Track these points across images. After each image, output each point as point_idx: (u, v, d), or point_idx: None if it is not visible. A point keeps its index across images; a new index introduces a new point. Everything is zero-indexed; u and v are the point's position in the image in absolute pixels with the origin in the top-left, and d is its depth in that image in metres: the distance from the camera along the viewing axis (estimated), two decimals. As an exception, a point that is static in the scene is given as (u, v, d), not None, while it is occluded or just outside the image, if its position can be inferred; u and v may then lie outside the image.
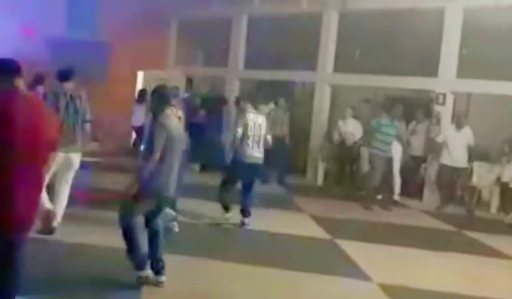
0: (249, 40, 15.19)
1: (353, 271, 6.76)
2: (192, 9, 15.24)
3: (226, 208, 8.42)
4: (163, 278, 5.44)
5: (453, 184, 11.43)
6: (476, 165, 11.91)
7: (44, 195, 6.43)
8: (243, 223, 8.27)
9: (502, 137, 11.57)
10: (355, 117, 12.31)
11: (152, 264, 5.46)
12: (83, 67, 14.39)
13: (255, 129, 8.19)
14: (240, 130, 8.12)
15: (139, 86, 15.99)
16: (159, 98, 5.58)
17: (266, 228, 8.34)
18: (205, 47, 17.10)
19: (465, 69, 11.49)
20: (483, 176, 11.77)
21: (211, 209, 8.61)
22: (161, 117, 5.41)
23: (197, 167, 12.75)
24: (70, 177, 7.06)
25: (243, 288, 5.77)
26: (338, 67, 13.37)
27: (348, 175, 12.59)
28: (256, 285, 5.96)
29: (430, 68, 11.74)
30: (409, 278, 6.68)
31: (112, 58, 15.14)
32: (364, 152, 11.83)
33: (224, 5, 14.13)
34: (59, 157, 6.29)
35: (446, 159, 11.10)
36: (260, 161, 8.34)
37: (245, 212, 8.30)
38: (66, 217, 6.94)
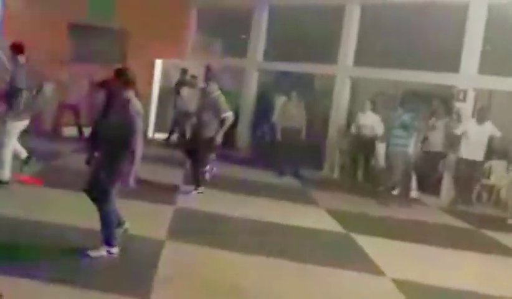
0: (270, 31, 15.12)
1: (367, 265, 6.71)
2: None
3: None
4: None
5: (471, 179, 11.31)
6: (494, 163, 11.79)
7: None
8: None
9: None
10: (373, 110, 12.20)
11: None
12: (103, 54, 14.66)
13: None
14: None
15: (158, 75, 16.03)
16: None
17: (280, 220, 8.31)
18: (224, 37, 17.05)
19: (487, 65, 11.32)
20: (501, 175, 11.64)
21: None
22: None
23: None
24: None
25: (256, 279, 5.74)
26: (359, 60, 13.27)
27: (364, 169, 12.49)
28: (268, 277, 5.92)
29: (451, 63, 11.59)
30: (423, 274, 6.61)
31: (131, 46, 15.17)
32: (381, 146, 11.75)
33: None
34: None
35: (465, 153, 10.99)
36: None
37: None
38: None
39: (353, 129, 12.29)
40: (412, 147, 10.64)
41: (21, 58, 7.90)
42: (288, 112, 12.24)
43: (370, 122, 12.03)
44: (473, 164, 11.02)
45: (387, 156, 10.74)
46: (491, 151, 12.06)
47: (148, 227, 6.96)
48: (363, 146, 12.16)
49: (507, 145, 12.25)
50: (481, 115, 11.11)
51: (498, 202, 11.66)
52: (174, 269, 5.71)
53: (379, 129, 11.88)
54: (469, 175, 11.22)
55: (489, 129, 10.97)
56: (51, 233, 6.27)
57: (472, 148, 10.93)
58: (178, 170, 10.89)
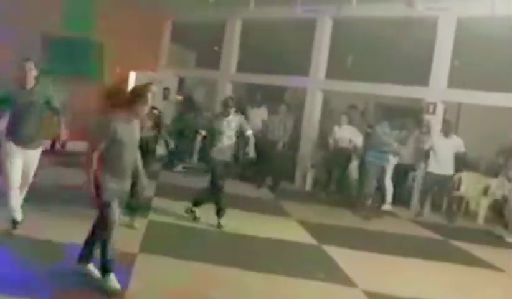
0: (242, 43, 15.21)
1: (339, 277, 6.76)
2: (187, 10, 15.24)
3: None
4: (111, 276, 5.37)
5: (440, 192, 11.48)
6: (464, 175, 11.97)
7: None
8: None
9: (492, 148, 11.62)
10: (350, 123, 12.30)
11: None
12: (78, 66, 14.57)
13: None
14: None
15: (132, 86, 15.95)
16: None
17: (253, 232, 8.34)
18: (198, 49, 17.10)
19: (456, 79, 11.52)
20: (471, 186, 11.83)
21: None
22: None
23: None
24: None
25: (227, 291, 5.75)
26: (330, 73, 13.39)
27: (337, 181, 12.57)
28: (240, 288, 5.94)
29: (421, 77, 11.77)
30: (394, 286, 6.68)
31: (105, 58, 15.12)
32: (354, 159, 11.88)
33: (219, 8, 14.11)
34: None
35: (432, 167, 11.17)
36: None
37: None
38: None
39: (330, 142, 12.37)
40: (388, 161, 10.78)
41: None
42: (272, 125, 12.38)
43: (348, 135, 12.12)
44: (440, 177, 11.18)
45: (363, 169, 10.82)
46: (461, 163, 12.27)
47: (121, 240, 6.93)
48: (339, 159, 12.24)
49: (477, 157, 12.48)
50: (446, 128, 11.29)
51: (467, 213, 11.85)
52: (145, 282, 5.70)
53: (358, 141, 11.99)
54: (437, 188, 11.38)
55: (455, 143, 11.13)
56: (20, 246, 6.22)
57: (439, 162, 11.09)
58: (151, 182, 10.84)
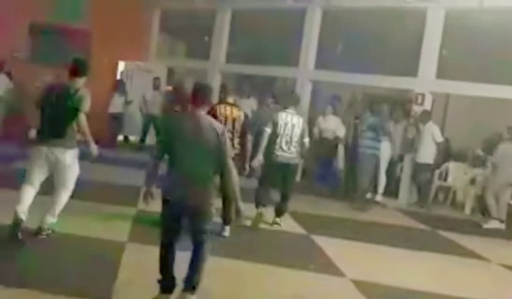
0: (232, 34, 15.18)
1: (327, 266, 6.82)
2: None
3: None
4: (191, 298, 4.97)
5: (421, 182, 11.53)
6: (451, 165, 12.07)
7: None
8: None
9: (479, 139, 11.72)
10: (334, 113, 12.33)
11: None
12: (65, 54, 14.50)
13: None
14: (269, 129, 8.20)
15: (120, 76, 15.92)
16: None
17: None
18: (187, 39, 17.06)
19: (445, 70, 11.59)
20: (458, 177, 11.92)
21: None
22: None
23: None
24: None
25: (217, 280, 5.78)
26: (320, 64, 13.41)
27: (323, 171, 12.62)
28: (231, 278, 5.98)
29: (410, 67, 11.83)
30: (382, 275, 6.76)
31: (93, 47, 15.05)
32: (341, 149, 11.93)
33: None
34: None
35: (415, 156, 11.32)
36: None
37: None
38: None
39: (315, 132, 12.41)
40: (381, 151, 10.83)
41: None
42: (264, 115, 12.40)
43: (332, 125, 12.15)
44: (422, 167, 11.25)
45: (357, 159, 10.87)
46: (449, 154, 12.38)
47: (109, 230, 6.98)
48: (324, 150, 12.28)
49: (464, 148, 12.57)
50: (424, 118, 11.36)
51: (454, 204, 11.95)
52: (135, 271, 5.72)
53: (341, 132, 12.03)
54: (420, 178, 11.45)
55: (430, 131, 11.21)
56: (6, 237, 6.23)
57: (418, 151, 11.17)
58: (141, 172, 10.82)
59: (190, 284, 4.96)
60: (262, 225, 8.33)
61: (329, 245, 7.71)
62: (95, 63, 14.84)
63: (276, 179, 8.45)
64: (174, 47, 17.47)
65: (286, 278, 6.23)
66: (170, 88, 14.80)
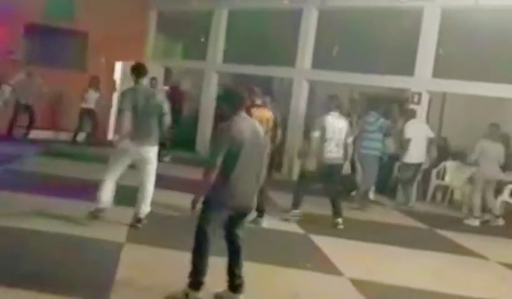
0: (229, 34, 15.19)
1: (325, 265, 6.83)
2: (172, 0, 15.20)
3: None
4: (240, 297, 5.17)
5: (412, 180, 11.51)
6: (449, 164, 12.07)
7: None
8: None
9: (476, 137, 11.70)
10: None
11: (229, 279, 5.20)
12: (61, 55, 14.52)
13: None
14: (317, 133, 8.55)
15: (117, 77, 15.92)
16: (228, 101, 5.16)
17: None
18: (184, 39, 17.06)
19: (441, 69, 11.60)
20: (455, 176, 11.93)
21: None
22: (227, 122, 5.02)
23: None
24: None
25: (216, 279, 5.77)
26: (316, 64, 13.42)
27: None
28: (225, 277, 5.96)
29: (406, 67, 11.84)
30: (380, 274, 6.76)
31: (90, 48, 15.06)
32: None
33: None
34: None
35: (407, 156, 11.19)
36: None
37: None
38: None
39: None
40: (379, 150, 10.80)
41: None
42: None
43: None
44: (405, 166, 11.23)
45: (360, 160, 10.85)
46: (446, 152, 12.38)
47: (107, 230, 6.97)
48: None
49: (461, 146, 12.57)
50: (408, 116, 11.36)
51: (452, 203, 11.96)
52: (133, 271, 5.71)
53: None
54: (402, 176, 11.43)
55: (421, 128, 11.18)
56: (8, 238, 6.22)
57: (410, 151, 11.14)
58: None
59: (243, 283, 5.18)
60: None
61: (327, 244, 7.71)
62: (92, 64, 15.01)
63: (326, 180, 8.93)
64: (170, 47, 17.45)
65: (284, 277, 6.23)
66: (167, 87, 14.81)
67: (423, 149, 11.13)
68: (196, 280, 5.07)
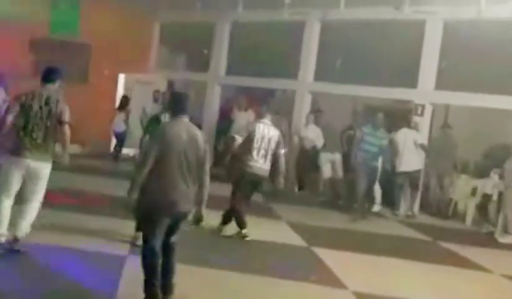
0: (231, 46, 15.22)
1: (329, 278, 6.80)
2: (175, 12, 15.24)
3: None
4: None
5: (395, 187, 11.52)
6: (453, 176, 12.03)
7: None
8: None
9: (479, 150, 11.71)
10: (316, 123, 12.41)
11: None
12: (64, 68, 14.55)
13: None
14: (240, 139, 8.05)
15: (120, 89, 15.95)
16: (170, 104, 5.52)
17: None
18: (187, 52, 17.09)
19: (444, 81, 11.62)
20: (459, 188, 11.89)
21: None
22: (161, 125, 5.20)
23: None
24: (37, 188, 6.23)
25: (219, 293, 5.77)
26: (319, 76, 13.44)
27: (310, 180, 12.66)
28: (229, 291, 5.95)
29: (409, 79, 11.85)
30: (384, 286, 6.74)
31: (93, 60, 15.09)
32: (324, 158, 11.97)
33: (207, 11, 14.11)
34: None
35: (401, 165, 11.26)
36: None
37: None
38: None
39: (295, 140, 12.45)
40: (377, 161, 10.81)
41: None
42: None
43: (312, 135, 12.27)
44: (396, 174, 11.27)
45: (355, 171, 10.86)
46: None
47: (110, 242, 6.96)
48: (307, 158, 12.38)
49: (465, 158, 12.54)
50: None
51: (456, 215, 11.91)
52: (136, 284, 5.69)
53: (319, 142, 12.15)
54: (394, 185, 11.44)
55: (412, 136, 11.24)
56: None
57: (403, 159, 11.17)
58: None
59: (172, 286, 5.19)
60: (262, 237, 8.31)
61: (330, 257, 7.69)
62: (95, 76, 15.03)
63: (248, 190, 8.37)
64: (173, 59, 17.49)
65: (287, 291, 6.21)
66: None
67: (414, 156, 11.18)
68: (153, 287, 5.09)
